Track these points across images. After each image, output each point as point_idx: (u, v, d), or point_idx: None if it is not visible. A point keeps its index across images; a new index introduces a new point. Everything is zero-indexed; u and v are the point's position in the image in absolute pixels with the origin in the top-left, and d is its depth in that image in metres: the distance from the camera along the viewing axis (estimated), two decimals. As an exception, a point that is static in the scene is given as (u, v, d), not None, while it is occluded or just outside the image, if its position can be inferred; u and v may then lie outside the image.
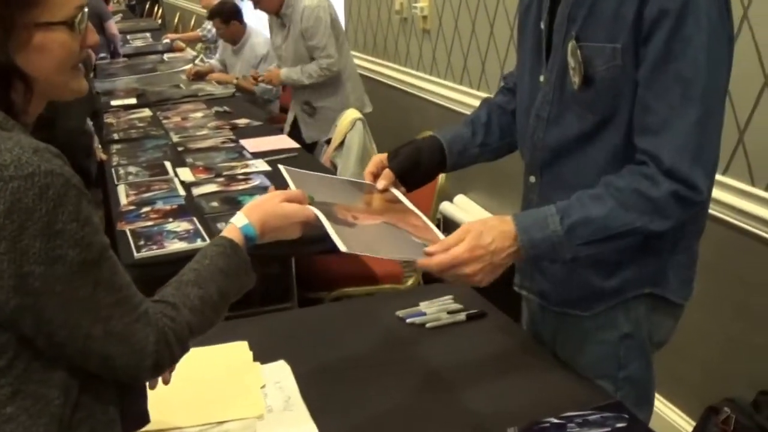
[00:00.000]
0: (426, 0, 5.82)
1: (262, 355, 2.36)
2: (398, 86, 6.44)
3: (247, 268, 1.83)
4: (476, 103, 5.02)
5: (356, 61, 7.13)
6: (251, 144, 5.22)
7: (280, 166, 2.22)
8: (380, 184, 2.26)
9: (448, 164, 2.43)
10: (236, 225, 1.86)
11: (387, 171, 2.28)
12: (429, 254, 1.91)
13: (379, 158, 2.34)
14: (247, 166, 4.70)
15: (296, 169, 2.23)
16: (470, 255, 1.90)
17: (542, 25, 2.16)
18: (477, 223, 1.96)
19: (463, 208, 5.50)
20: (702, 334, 2.99)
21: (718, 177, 3.07)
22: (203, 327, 1.71)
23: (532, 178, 2.24)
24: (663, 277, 2.17)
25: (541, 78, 2.17)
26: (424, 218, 2.15)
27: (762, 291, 3.20)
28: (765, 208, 3.11)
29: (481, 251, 1.90)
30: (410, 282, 4.31)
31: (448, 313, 2.60)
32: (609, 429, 2.01)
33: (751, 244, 3.18)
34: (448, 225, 5.47)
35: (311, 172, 2.28)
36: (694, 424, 3.30)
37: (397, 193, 2.27)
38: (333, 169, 5.26)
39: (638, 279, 2.15)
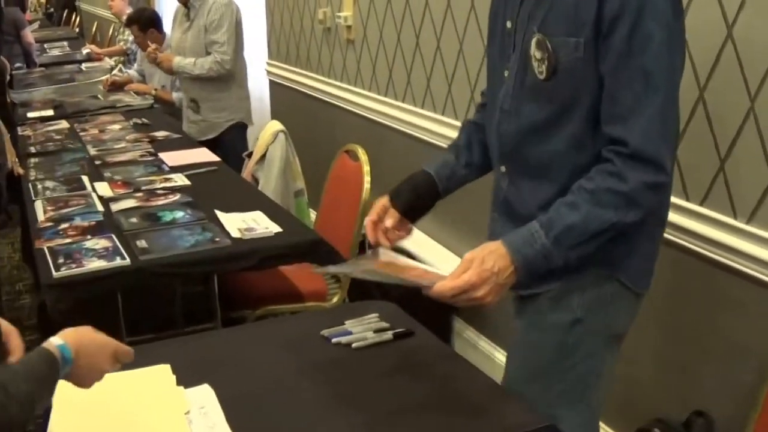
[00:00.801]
0: (350, 10, 5.76)
1: (186, 378, 2.29)
2: (321, 98, 6.36)
3: (52, 388, 1.79)
4: (401, 115, 5.07)
5: (278, 72, 7.10)
6: (170, 157, 5.11)
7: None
8: (388, 222, 2.46)
9: (441, 190, 2.58)
10: (53, 343, 1.83)
11: (392, 211, 2.48)
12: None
13: (380, 204, 2.52)
14: (166, 180, 4.59)
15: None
16: (479, 279, 2.08)
17: (509, 24, 2.32)
18: (476, 252, 2.14)
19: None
20: (631, 353, 2.95)
21: None
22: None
23: (503, 168, 2.40)
24: (625, 262, 2.31)
25: (506, 73, 2.34)
26: (425, 267, 2.31)
27: (692, 309, 3.18)
28: (694, 221, 3.09)
29: (488, 274, 2.09)
30: (335, 299, 4.22)
31: (375, 332, 2.56)
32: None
33: (680, 259, 3.15)
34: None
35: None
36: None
37: (393, 255, 2.41)
38: (254, 183, 5.18)
39: (600, 259, 2.26)
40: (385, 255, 2.40)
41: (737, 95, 2.85)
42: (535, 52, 2.21)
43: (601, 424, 3.53)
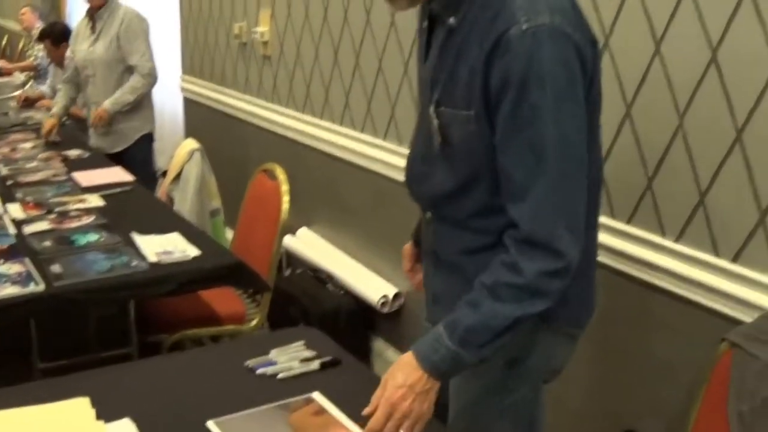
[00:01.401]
0: (266, 25, 5.69)
1: (106, 412, 2.19)
2: (237, 115, 6.28)
3: None
4: (319, 133, 5.00)
5: (192, 87, 7.01)
6: (84, 177, 4.96)
7: (211, 426, 2.16)
8: (406, 264, 2.65)
9: None
10: None
11: (407, 247, 2.62)
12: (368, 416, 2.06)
13: (409, 252, 2.63)
14: (80, 201, 4.45)
15: (227, 419, 2.18)
16: (397, 396, 2.04)
17: (424, 74, 2.26)
18: (391, 369, 2.10)
19: (305, 241, 5.36)
20: (563, 374, 2.90)
21: None
22: None
23: (428, 214, 2.34)
24: (558, 312, 2.17)
25: (435, 122, 2.21)
26: (353, 427, 2.15)
27: (620, 328, 3.16)
28: (621, 239, 3.08)
29: (402, 390, 2.04)
30: (254, 322, 4.13)
31: (301, 361, 2.48)
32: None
33: (608, 278, 3.11)
34: (290, 259, 5.34)
35: (238, 414, 2.21)
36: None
37: (323, 401, 2.27)
38: (170, 203, 5.09)
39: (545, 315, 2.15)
40: (317, 404, 2.26)
41: (665, 112, 2.82)
42: (433, 122, 2.15)
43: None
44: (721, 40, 2.62)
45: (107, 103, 5.88)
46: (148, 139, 6.15)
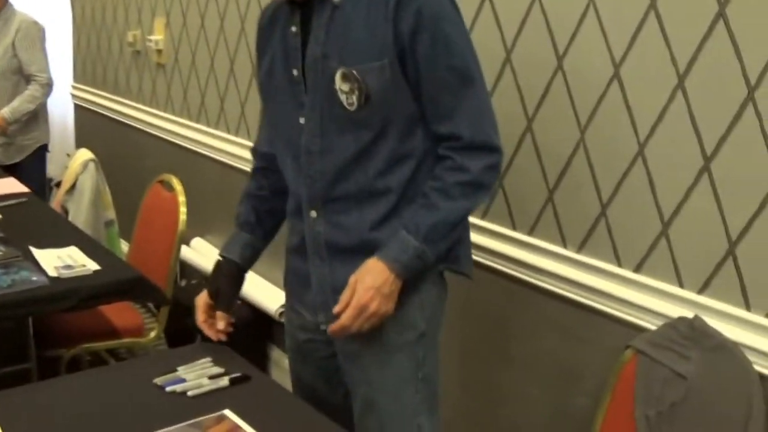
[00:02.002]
0: (161, 33, 5.64)
1: None
2: (131, 123, 6.19)
3: None
4: (214, 142, 4.99)
5: (84, 95, 6.91)
6: (-23, 190, 4.84)
7: None
8: (220, 325, 2.61)
9: (245, 272, 2.75)
10: None
11: (220, 314, 2.63)
12: (337, 314, 2.31)
13: (203, 303, 2.67)
14: (-25, 215, 4.32)
15: None
16: (366, 297, 2.28)
17: (295, 73, 2.40)
18: (357, 274, 2.32)
19: (199, 251, 5.32)
20: (461, 379, 2.95)
21: (478, 221, 3.11)
22: None
23: (313, 213, 2.45)
24: (455, 252, 2.49)
25: (302, 120, 2.40)
26: None
27: (524, 336, 3.19)
28: (525, 250, 3.11)
29: (371, 292, 2.28)
30: (152, 334, 4.10)
31: (210, 378, 2.44)
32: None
33: (512, 288, 3.17)
34: (185, 269, 5.28)
35: None
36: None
37: (235, 419, 2.24)
38: (64, 214, 5.00)
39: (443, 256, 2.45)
40: (229, 421, 2.25)
41: (567, 126, 2.88)
42: (341, 86, 2.29)
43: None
44: (625, 57, 2.67)
45: (6, 112, 5.73)
46: (42, 150, 6.02)
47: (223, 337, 2.60)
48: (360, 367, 2.51)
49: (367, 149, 2.33)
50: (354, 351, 2.51)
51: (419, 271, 2.37)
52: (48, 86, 5.81)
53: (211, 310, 2.64)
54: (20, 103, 5.74)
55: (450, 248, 2.44)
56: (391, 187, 2.36)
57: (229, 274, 2.69)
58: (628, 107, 2.69)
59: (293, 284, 2.67)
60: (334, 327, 2.33)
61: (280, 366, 4.63)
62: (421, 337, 2.47)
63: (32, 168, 5.86)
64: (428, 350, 2.50)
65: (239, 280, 2.71)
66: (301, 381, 2.74)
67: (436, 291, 2.52)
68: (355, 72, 2.25)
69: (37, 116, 5.90)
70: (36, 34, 5.79)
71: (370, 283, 2.29)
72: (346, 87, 2.28)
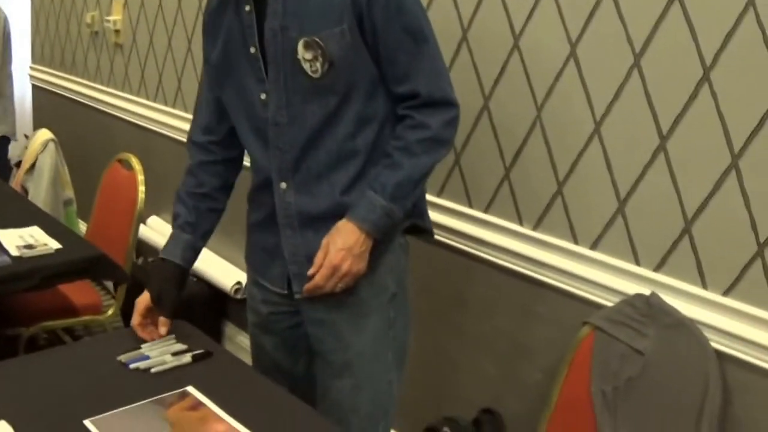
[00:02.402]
0: (119, 13, 5.60)
1: None
2: (89, 103, 6.16)
3: None
4: (172, 121, 4.99)
5: (42, 76, 6.85)
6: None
7: (88, 424, 2.11)
8: (163, 330, 2.56)
9: (188, 272, 2.71)
10: None
11: (163, 320, 2.57)
12: (311, 276, 2.38)
13: (143, 306, 2.59)
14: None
15: (104, 417, 2.14)
16: (338, 258, 2.35)
17: (252, 50, 2.42)
18: (328, 237, 2.39)
19: (156, 229, 5.33)
20: (419, 354, 2.96)
21: (434, 199, 3.17)
22: None
23: (283, 185, 2.47)
24: (419, 208, 2.58)
25: (263, 96, 2.42)
26: (228, 419, 2.15)
27: (480, 312, 3.23)
28: (481, 228, 3.15)
29: (342, 252, 2.35)
30: (110, 312, 4.09)
31: (173, 354, 2.45)
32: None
33: (469, 265, 3.20)
34: (142, 247, 5.28)
35: (115, 411, 2.18)
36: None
37: (198, 395, 2.26)
38: (24, 193, 4.98)
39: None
40: (192, 398, 2.26)
41: (523, 105, 2.91)
42: (304, 55, 2.32)
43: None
44: (581, 36, 2.70)
45: None
46: (2, 142, 5.84)
47: (156, 335, 2.56)
48: (334, 333, 2.54)
49: (333, 114, 2.38)
50: (326, 319, 2.54)
51: (389, 230, 2.43)
52: None
53: (150, 313, 2.59)
54: None
55: (414, 204, 2.51)
56: (358, 149, 2.41)
57: (172, 277, 2.64)
58: (585, 86, 2.72)
59: (257, 259, 2.68)
60: (308, 286, 2.39)
61: (234, 342, 4.69)
62: (392, 298, 2.53)
63: None
64: (398, 310, 2.56)
65: (182, 283, 2.67)
66: (263, 354, 2.75)
67: (402, 253, 2.57)
68: (317, 39, 2.29)
69: (2, 109, 5.74)
70: None
71: (341, 243, 2.36)
72: (309, 55, 2.32)
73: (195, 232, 2.68)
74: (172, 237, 2.68)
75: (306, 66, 2.33)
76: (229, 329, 4.79)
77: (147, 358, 2.43)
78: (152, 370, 2.37)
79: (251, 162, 2.57)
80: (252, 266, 2.72)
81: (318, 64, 2.32)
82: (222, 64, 2.54)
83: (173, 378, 2.34)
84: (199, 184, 2.70)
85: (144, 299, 2.58)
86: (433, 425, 3.16)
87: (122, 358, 2.43)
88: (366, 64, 2.34)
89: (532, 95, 2.88)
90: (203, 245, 2.72)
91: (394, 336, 2.56)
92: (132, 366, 2.39)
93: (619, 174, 2.67)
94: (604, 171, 2.70)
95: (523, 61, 2.89)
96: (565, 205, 2.86)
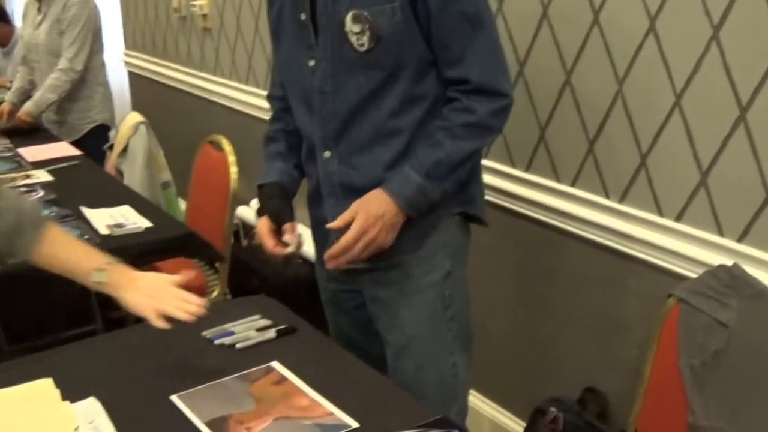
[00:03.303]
0: (205, -3, 5.68)
1: (70, 392, 2.17)
2: (181, 87, 6.26)
3: None
4: (263, 103, 5.00)
5: (136, 62, 6.94)
6: (30, 153, 4.90)
7: (175, 400, 2.17)
8: (291, 237, 2.54)
9: (290, 193, 2.69)
10: None
11: (289, 226, 2.56)
12: (334, 230, 2.38)
13: (266, 230, 2.56)
14: (27, 177, 4.39)
15: (190, 392, 2.20)
16: (367, 223, 2.33)
17: (303, 17, 2.41)
18: (361, 201, 2.36)
19: (260, 210, 5.35)
20: (520, 335, 2.98)
21: (522, 174, 3.15)
22: None
23: (327, 153, 2.48)
24: (470, 195, 2.54)
25: (311, 63, 2.42)
26: (312, 394, 2.18)
27: (572, 288, 3.23)
28: (568, 201, 3.15)
29: (373, 219, 2.33)
30: (215, 293, 4.17)
31: (257, 330, 2.49)
32: (440, 446, 1.96)
33: (558, 241, 3.21)
34: (248, 229, 5.35)
35: (200, 387, 2.23)
36: (524, 425, 3.31)
37: (283, 370, 2.30)
38: (119, 176, 5.06)
39: (452, 200, 2.48)
40: (276, 373, 2.30)
41: (605, 79, 2.91)
42: (352, 27, 2.31)
43: (501, 407, 3.60)
44: (660, 9, 2.69)
45: (31, 106, 5.61)
46: (101, 130, 5.85)
47: (296, 246, 2.54)
48: (389, 312, 2.55)
49: (379, 90, 2.36)
50: (381, 297, 2.56)
51: (422, 207, 2.39)
52: (70, 71, 5.56)
53: (276, 234, 2.57)
54: (42, 95, 5.60)
55: (462, 189, 2.48)
56: (403, 127, 2.39)
57: (276, 194, 2.63)
58: (664, 59, 2.71)
59: (317, 234, 2.69)
60: (332, 250, 2.38)
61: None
62: (447, 276, 2.52)
63: (91, 147, 5.55)
64: (455, 289, 2.54)
65: (289, 197, 2.65)
66: (339, 332, 2.80)
67: (458, 230, 2.54)
68: (366, 13, 2.27)
69: (90, 94, 5.77)
70: (82, 11, 5.55)
71: (374, 210, 2.34)
72: (356, 28, 2.30)
73: (288, 161, 2.68)
74: (266, 168, 2.70)
75: (353, 39, 2.32)
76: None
77: (231, 333, 2.48)
78: (237, 346, 2.42)
79: (300, 129, 2.59)
80: (316, 242, 2.73)
81: (365, 39, 2.30)
82: (277, 28, 2.55)
83: (258, 353, 2.38)
84: (286, 124, 2.71)
85: (264, 224, 2.57)
86: (542, 407, 3.18)
87: (207, 333, 2.48)
88: (417, 44, 2.31)
89: (613, 69, 2.87)
90: (299, 178, 2.70)
91: (452, 316, 2.54)
92: (217, 342, 2.44)
93: (700, 145, 2.66)
94: (686, 143, 2.69)
95: (603, 36, 2.88)
96: (649, 178, 2.85)
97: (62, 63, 5.55)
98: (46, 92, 5.57)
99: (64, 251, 2.28)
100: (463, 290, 2.59)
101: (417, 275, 2.50)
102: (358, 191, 2.42)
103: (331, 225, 2.38)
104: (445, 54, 2.33)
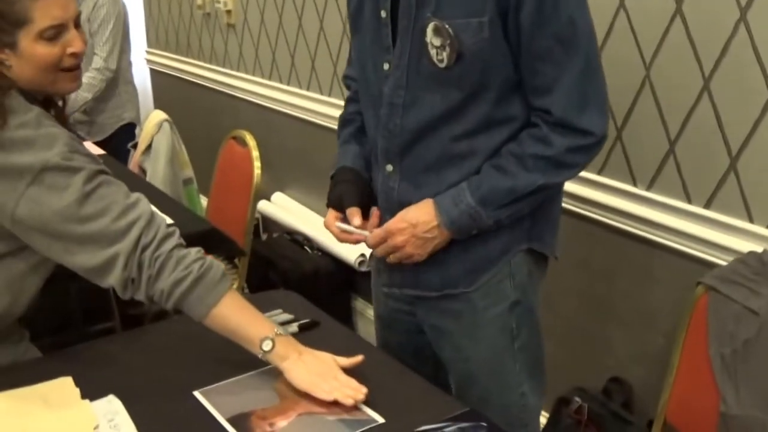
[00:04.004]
0: (229, -6, 5.66)
1: (90, 390, 2.15)
2: (205, 84, 6.25)
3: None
4: (287, 98, 4.99)
5: (159, 60, 6.95)
6: (54, 153, 4.88)
7: (198, 396, 2.15)
8: (357, 221, 2.35)
9: (366, 176, 2.49)
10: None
11: (352, 210, 2.37)
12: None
13: (333, 220, 2.41)
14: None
15: (213, 388, 2.18)
16: (397, 227, 2.21)
17: (383, 14, 2.19)
18: (411, 207, 2.23)
19: (281, 205, 5.38)
20: (544, 324, 2.92)
21: None
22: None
23: (389, 167, 2.30)
24: (539, 231, 2.32)
25: (386, 66, 2.22)
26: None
27: (604, 279, 3.19)
28: (596, 190, 3.12)
29: (404, 224, 2.20)
30: (234, 287, 4.09)
31: (280, 324, 2.41)
32: (468, 440, 1.93)
33: (593, 231, 3.17)
34: (267, 223, 5.34)
35: (224, 383, 2.21)
36: (547, 415, 3.28)
37: None
38: (142, 174, 5.05)
39: (518, 235, 2.29)
40: None
41: (632, 64, 2.87)
42: (432, 40, 2.09)
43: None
44: (686, -9, 2.65)
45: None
46: (129, 128, 5.89)
47: (370, 232, 2.33)
48: (452, 344, 2.41)
49: (456, 110, 2.15)
50: (443, 328, 2.41)
51: (469, 231, 2.22)
52: (105, 70, 5.57)
53: (343, 220, 2.41)
54: (77, 94, 5.46)
55: (532, 225, 2.29)
56: (477, 150, 2.19)
57: (346, 178, 2.45)
58: (692, 41, 2.67)
59: None
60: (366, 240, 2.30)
61: (365, 316, 4.70)
62: (513, 307, 2.33)
63: (117, 148, 5.62)
64: (523, 319, 2.36)
65: (362, 182, 2.45)
66: (387, 346, 2.64)
67: (530, 261, 2.35)
68: (448, 27, 2.05)
69: (118, 93, 5.78)
70: (112, 9, 5.54)
71: (410, 216, 2.21)
72: (437, 41, 2.08)
73: (363, 145, 2.48)
74: (338, 154, 2.53)
75: (432, 52, 2.10)
76: (359, 303, 4.81)
77: (253, 329, 2.44)
78: (260, 341, 2.39)
79: (367, 132, 2.44)
80: (373, 254, 2.50)
81: (445, 54, 2.08)
82: (355, 19, 2.34)
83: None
84: (356, 109, 2.53)
85: (331, 216, 2.43)
86: (565, 396, 3.15)
87: (229, 330, 2.45)
88: (503, 64, 2.09)
89: (640, 54, 2.83)
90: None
91: (520, 347, 2.37)
92: (239, 338, 2.41)
93: (730, 130, 2.61)
94: (715, 127, 2.64)
95: (629, 19, 2.85)
96: (677, 164, 2.80)
97: (97, 62, 5.57)
98: (81, 91, 5.53)
99: (236, 316, 2.21)
100: (533, 318, 2.40)
101: (481, 308, 2.33)
102: None
103: (374, 233, 2.28)
104: (532, 79, 2.10)
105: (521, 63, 2.09)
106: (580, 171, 2.23)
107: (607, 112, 2.16)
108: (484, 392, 2.39)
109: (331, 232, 2.42)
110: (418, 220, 2.20)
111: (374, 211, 2.39)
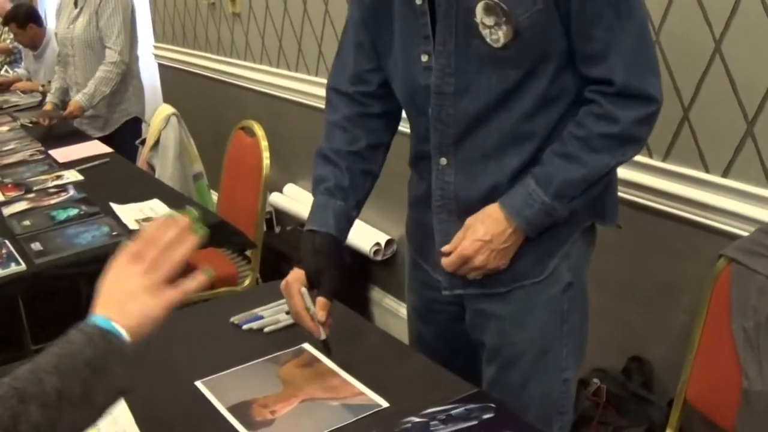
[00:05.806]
0: (233, -18, 5.62)
1: None
2: (212, 75, 6.25)
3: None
4: (295, 85, 4.94)
5: (166, 54, 6.94)
6: (60, 154, 4.91)
7: (200, 386, 2.11)
8: (321, 315, 2.10)
9: (343, 245, 2.30)
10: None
11: (322, 301, 2.12)
12: (445, 254, 2.12)
13: (297, 289, 2.14)
14: (58, 177, 4.41)
15: (216, 377, 2.14)
16: (472, 249, 2.08)
17: (419, 1, 2.05)
18: (474, 217, 2.10)
19: (292, 197, 5.35)
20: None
21: None
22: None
23: (443, 160, 2.17)
24: (601, 203, 2.22)
25: (424, 57, 2.08)
26: (342, 374, 2.12)
27: (621, 255, 3.11)
28: (620, 167, 2.98)
29: (479, 244, 2.08)
30: (247, 282, 4.11)
31: (287, 313, 2.37)
32: (476, 422, 1.88)
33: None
34: (280, 216, 5.30)
35: (226, 372, 2.16)
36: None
37: (314, 351, 2.23)
38: (151, 171, 5.02)
39: (583, 213, 2.18)
40: (308, 354, 2.22)
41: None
42: (483, 19, 1.97)
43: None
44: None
45: (83, 100, 5.61)
46: (134, 123, 5.93)
47: (326, 333, 2.13)
48: (498, 326, 2.28)
49: (512, 91, 2.04)
50: (489, 309, 2.27)
51: (545, 227, 2.12)
52: (121, 64, 5.61)
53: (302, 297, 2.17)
54: (95, 88, 5.62)
55: (596, 201, 2.18)
56: (536, 131, 2.08)
57: (329, 251, 2.21)
58: (700, 2, 2.59)
59: (416, 238, 2.41)
60: (443, 263, 2.14)
61: (382, 306, 4.66)
62: (566, 289, 2.22)
63: (122, 141, 5.65)
64: (574, 302, 2.25)
65: (340, 258, 2.26)
66: (421, 340, 2.52)
67: (584, 243, 2.26)
68: (502, 3, 1.94)
69: (124, 87, 5.79)
70: (120, 2, 5.60)
71: (482, 233, 2.08)
72: (489, 21, 1.97)
73: (348, 199, 2.27)
74: (318, 205, 2.27)
75: (485, 32, 1.98)
76: (375, 293, 4.76)
77: (260, 318, 2.40)
78: (265, 330, 2.35)
79: (410, 126, 2.28)
80: (412, 245, 2.44)
81: (500, 33, 1.96)
82: (377, 8, 2.19)
83: (287, 337, 2.31)
84: (352, 140, 2.31)
85: (297, 281, 2.16)
86: (583, 378, 3.09)
87: (235, 319, 2.41)
88: (558, 36, 1.98)
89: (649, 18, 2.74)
90: (356, 216, 2.32)
91: (569, 331, 2.25)
92: (245, 327, 2.37)
93: (744, 93, 2.52)
94: (729, 91, 2.56)
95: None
96: (692, 132, 2.72)
97: (112, 56, 5.61)
98: (100, 85, 5.63)
99: None
100: (583, 301, 2.30)
101: (534, 292, 2.21)
102: (477, 204, 2.14)
103: (444, 248, 2.13)
104: (586, 47, 1.98)
105: (572, 30, 1.97)
106: (642, 147, 2.12)
107: (660, 77, 2.04)
108: (527, 376, 2.27)
109: (289, 295, 2.17)
110: (492, 234, 2.08)
111: (321, 303, 2.13)
